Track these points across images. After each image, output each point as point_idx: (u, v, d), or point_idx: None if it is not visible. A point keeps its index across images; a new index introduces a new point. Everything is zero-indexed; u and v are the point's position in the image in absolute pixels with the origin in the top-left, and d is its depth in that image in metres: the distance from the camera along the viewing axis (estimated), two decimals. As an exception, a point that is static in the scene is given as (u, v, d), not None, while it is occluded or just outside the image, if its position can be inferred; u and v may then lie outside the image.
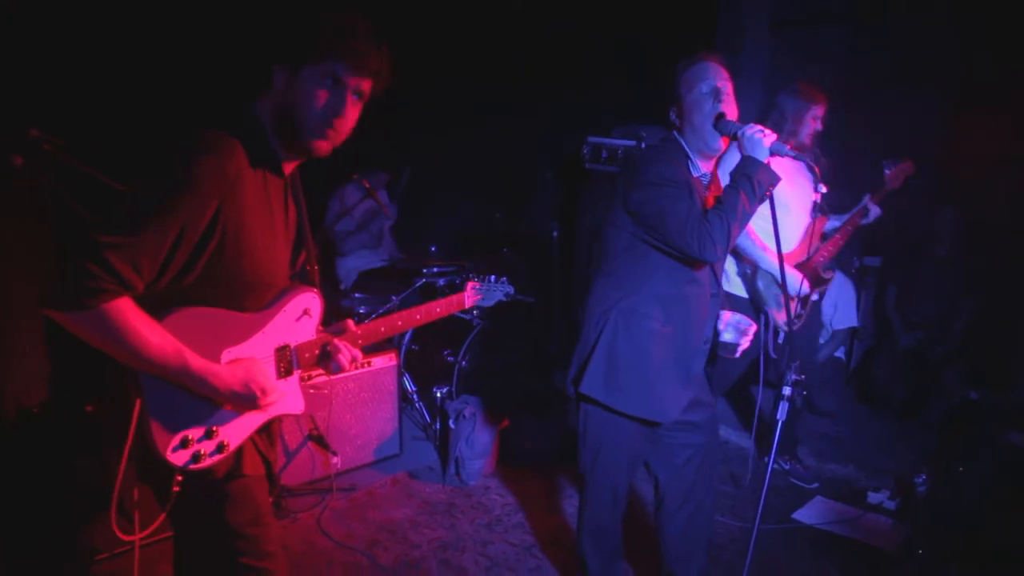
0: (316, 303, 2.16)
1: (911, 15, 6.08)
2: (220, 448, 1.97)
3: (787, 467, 4.71)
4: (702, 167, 2.88)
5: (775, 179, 2.69)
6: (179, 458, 1.89)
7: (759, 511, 2.70)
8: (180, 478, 1.91)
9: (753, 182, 2.66)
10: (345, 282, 5.87)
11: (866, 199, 4.37)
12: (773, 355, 4.21)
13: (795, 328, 4.30)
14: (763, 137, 2.66)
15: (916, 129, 6.22)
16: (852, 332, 6.12)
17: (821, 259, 4.31)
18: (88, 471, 3.40)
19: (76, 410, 3.56)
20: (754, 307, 4.23)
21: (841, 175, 4.66)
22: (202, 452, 1.93)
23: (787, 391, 2.69)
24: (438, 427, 4.82)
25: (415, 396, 5.23)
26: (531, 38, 6.46)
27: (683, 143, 2.87)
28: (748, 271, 4.24)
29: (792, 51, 6.50)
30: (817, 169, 2.63)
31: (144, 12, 4.23)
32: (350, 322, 2.31)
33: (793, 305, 4.28)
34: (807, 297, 4.30)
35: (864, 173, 4.67)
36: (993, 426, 4.57)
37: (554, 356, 5.86)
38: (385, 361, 4.59)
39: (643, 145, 5.36)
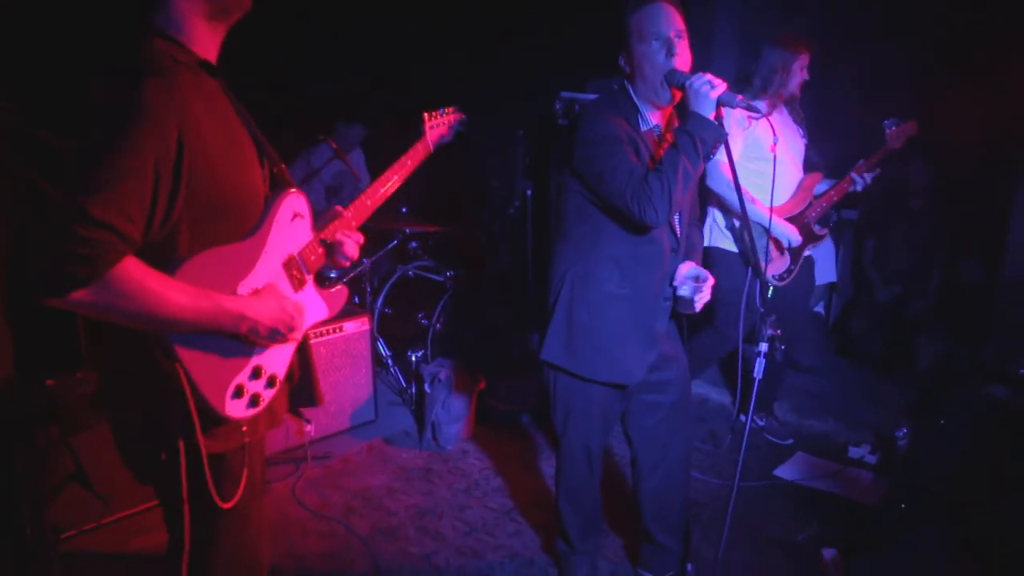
0: (302, 202, 2.01)
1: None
2: (272, 382, 1.88)
3: (762, 423, 4.68)
4: (652, 119, 2.76)
5: (720, 134, 2.56)
6: (238, 408, 1.79)
7: (738, 468, 2.66)
8: (245, 428, 1.83)
9: (695, 139, 2.53)
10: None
11: (860, 162, 4.27)
12: (761, 309, 4.13)
13: (786, 283, 4.25)
14: (710, 89, 2.52)
15: (893, 81, 6.17)
16: (831, 287, 6.08)
17: (814, 214, 4.25)
18: (49, 447, 3.31)
19: (39, 385, 3.45)
20: (744, 261, 4.16)
21: (823, 128, 4.58)
22: (259, 393, 1.84)
23: (763, 347, 2.62)
24: (413, 392, 4.74)
25: (389, 361, 5.14)
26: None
27: (633, 94, 2.75)
28: (736, 223, 4.17)
29: (764, 3, 6.39)
30: (772, 124, 2.54)
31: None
32: (339, 208, 2.23)
33: (785, 260, 4.22)
34: (799, 251, 4.24)
35: (840, 126, 4.60)
36: (975, 379, 4.56)
37: (529, 316, 5.78)
38: (358, 325, 4.49)
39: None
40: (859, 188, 4.25)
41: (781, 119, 4.18)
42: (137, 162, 1.53)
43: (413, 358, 4.95)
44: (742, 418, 4.88)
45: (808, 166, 4.34)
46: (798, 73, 4.07)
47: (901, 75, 6.19)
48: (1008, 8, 5.14)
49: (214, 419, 1.75)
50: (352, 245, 2.15)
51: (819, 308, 6.06)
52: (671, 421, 3.05)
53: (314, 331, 4.24)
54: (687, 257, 2.94)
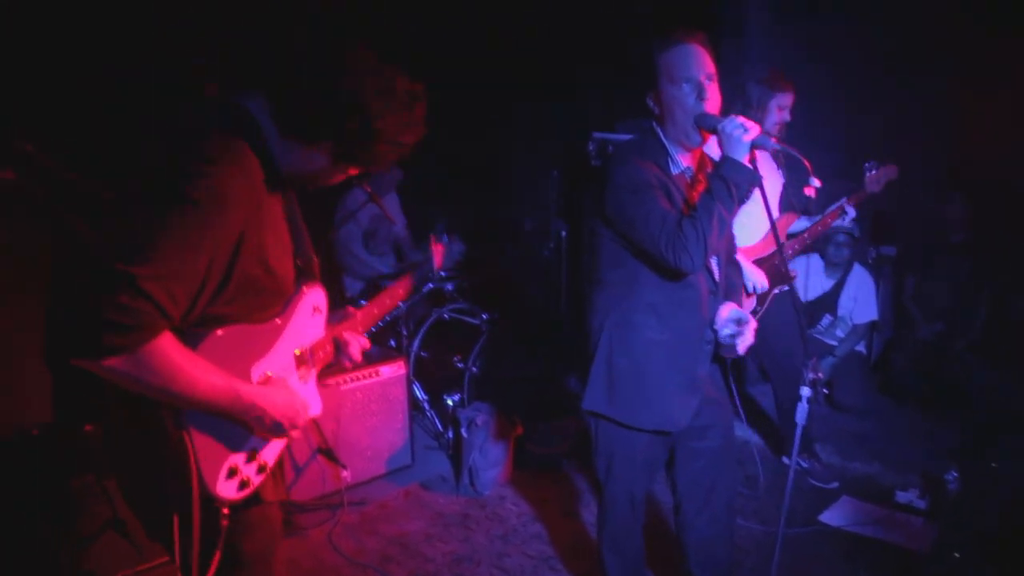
0: (322, 297, 2.07)
1: (915, 7, 5.95)
2: (262, 469, 1.88)
3: (805, 466, 4.57)
4: (683, 162, 2.73)
5: (755, 178, 2.53)
6: (229, 489, 1.77)
7: (783, 514, 2.60)
8: (227, 511, 1.79)
9: (729, 184, 2.50)
10: (351, 290, 5.76)
11: (843, 200, 4.24)
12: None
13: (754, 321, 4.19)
14: (743, 133, 2.49)
15: (924, 114, 6.12)
16: (872, 325, 5.98)
17: (788, 253, 4.20)
18: (87, 492, 3.31)
19: (77, 431, 3.47)
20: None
21: (846, 163, 4.53)
22: (248, 478, 1.83)
23: (806, 392, 2.57)
24: (450, 436, 4.70)
25: (426, 405, 5.11)
26: (533, 34, 6.34)
27: (662, 136, 2.72)
28: None
29: (796, 38, 6.39)
30: (808, 163, 2.48)
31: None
32: (350, 308, 2.27)
33: (751, 301, 4.16)
34: (766, 294, 4.17)
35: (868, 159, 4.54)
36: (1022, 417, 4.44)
37: (565, 359, 5.74)
38: (394, 370, 4.47)
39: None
40: (844, 222, 4.29)
41: (760, 156, 4.14)
42: (197, 244, 1.54)
43: (449, 402, 4.92)
44: (784, 460, 4.79)
45: (784, 206, 4.30)
46: (774, 111, 4.03)
47: (935, 108, 6.14)
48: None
49: (204, 497, 1.73)
50: (357, 349, 2.19)
51: (860, 347, 5.95)
52: (715, 467, 2.98)
53: (350, 376, 4.23)
54: (727, 298, 2.89)
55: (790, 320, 4.30)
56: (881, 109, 6.25)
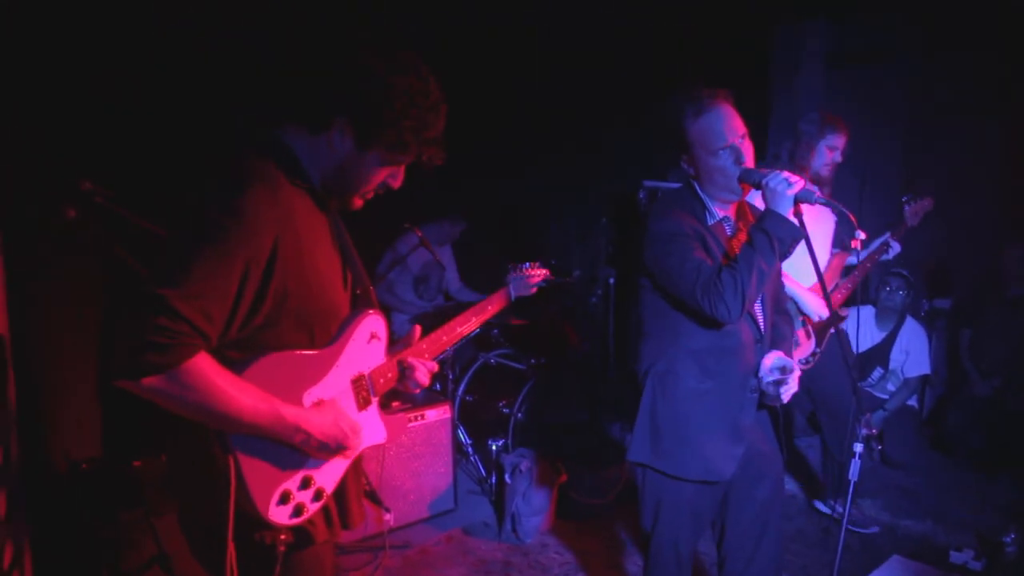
0: (381, 324, 2.06)
1: (964, 50, 5.92)
2: (319, 495, 1.88)
3: (841, 510, 4.46)
4: (719, 212, 2.76)
5: (797, 233, 2.53)
6: (281, 514, 1.78)
7: (835, 571, 2.62)
8: (284, 536, 1.81)
9: (772, 239, 2.51)
10: (399, 333, 5.81)
11: (887, 235, 4.23)
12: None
13: (809, 366, 4.13)
14: (787, 187, 2.50)
15: (978, 164, 6.05)
16: (924, 379, 5.86)
17: (839, 296, 4.16)
18: (134, 527, 3.36)
19: (126, 466, 3.52)
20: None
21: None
22: (303, 504, 1.83)
23: (859, 448, 2.53)
24: (494, 481, 4.69)
25: (470, 449, 5.11)
26: (584, 80, 6.41)
27: (699, 190, 2.76)
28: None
29: (848, 87, 6.38)
30: (852, 217, 2.47)
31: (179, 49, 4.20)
32: (417, 331, 2.25)
33: (810, 344, 4.12)
34: (823, 334, 4.13)
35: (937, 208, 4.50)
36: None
37: (611, 407, 5.71)
38: (439, 413, 4.48)
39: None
40: (890, 256, 4.26)
41: None
42: (226, 264, 1.61)
43: (493, 447, 4.90)
44: (818, 505, 4.71)
45: (837, 244, 4.28)
46: (825, 153, 4.01)
47: (991, 158, 6.07)
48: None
49: (256, 521, 1.75)
50: (424, 372, 2.16)
51: (912, 401, 5.83)
52: (763, 519, 2.94)
53: (395, 418, 4.25)
54: (774, 347, 2.87)
55: (835, 363, 4.26)
56: (936, 158, 6.21)
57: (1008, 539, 3.97)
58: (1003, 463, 5.30)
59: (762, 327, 2.82)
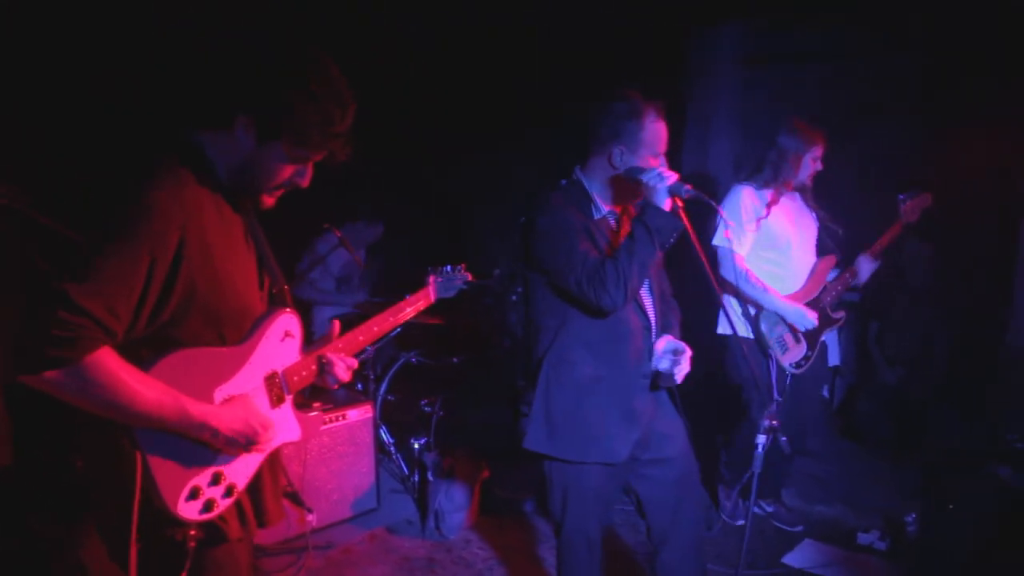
0: (295, 323, 2.07)
1: (880, 52, 6.15)
2: (230, 491, 1.88)
3: (770, 510, 4.62)
4: (605, 207, 2.88)
5: (674, 224, 2.66)
6: (191, 510, 1.78)
7: (742, 556, 2.71)
8: (193, 532, 1.80)
9: (651, 230, 2.64)
10: (319, 332, 5.75)
11: (867, 253, 4.31)
12: (778, 397, 4.15)
13: (803, 370, 4.24)
14: (661, 182, 2.64)
15: (886, 163, 6.28)
16: (834, 370, 6.06)
17: (829, 298, 4.28)
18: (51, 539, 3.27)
19: (44, 472, 3.42)
20: (760, 349, 4.18)
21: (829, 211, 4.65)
22: (214, 499, 1.83)
23: (761, 440, 2.64)
24: (416, 480, 4.70)
25: (392, 448, 5.11)
26: (506, 79, 6.46)
27: (586, 185, 2.87)
28: (752, 312, 4.19)
29: (763, 87, 6.55)
30: (720, 210, 2.68)
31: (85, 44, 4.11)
32: (336, 326, 2.26)
33: (801, 347, 4.22)
34: (815, 338, 4.25)
35: (840, 206, 4.65)
36: (981, 461, 4.51)
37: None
38: (361, 413, 4.47)
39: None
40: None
41: (794, 205, 4.25)
42: (130, 259, 1.62)
43: (416, 445, 4.92)
44: (754, 509, 4.82)
45: (821, 250, 4.40)
46: (809, 164, 4.14)
47: (899, 152, 6.30)
48: (1006, 84, 5.25)
49: (165, 517, 1.76)
50: (343, 368, 2.17)
51: (823, 391, 6.03)
52: (677, 496, 3.05)
53: (316, 418, 4.23)
54: (663, 332, 2.99)
55: (813, 378, 4.40)
56: (847, 157, 6.41)
57: (910, 519, 4.15)
58: (907, 449, 5.53)
59: (650, 315, 2.94)
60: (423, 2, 5.77)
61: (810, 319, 4.13)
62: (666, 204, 2.66)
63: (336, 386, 2.20)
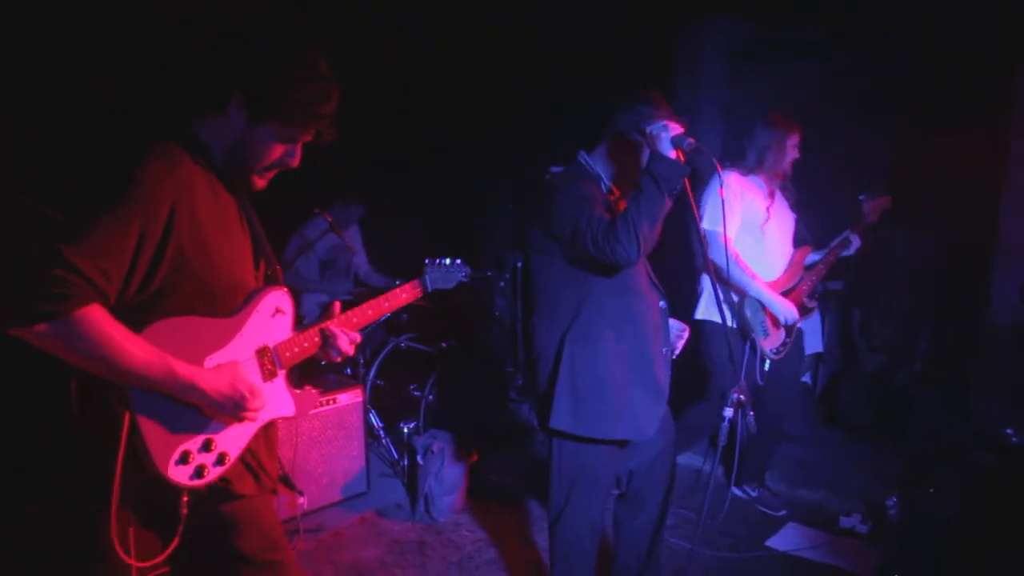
0: (287, 300, 2.12)
1: (864, 47, 6.21)
2: (221, 459, 1.92)
3: (754, 494, 4.69)
4: (609, 185, 2.98)
5: (681, 170, 2.67)
6: (181, 474, 1.83)
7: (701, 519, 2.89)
8: (186, 499, 1.86)
9: (657, 179, 2.66)
10: (308, 317, 5.78)
11: (847, 232, 4.43)
12: (760, 382, 4.23)
13: (780, 356, 4.32)
14: (665, 131, 2.69)
15: (872, 155, 6.35)
16: (817, 357, 6.14)
17: (805, 288, 4.36)
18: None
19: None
20: (742, 335, 4.24)
21: (806, 203, 4.71)
22: (205, 465, 1.87)
23: (728, 412, 2.70)
24: (406, 463, 4.74)
25: (382, 432, 5.15)
26: (489, 70, 6.49)
27: (592, 166, 2.97)
28: (735, 299, 4.25)
29: (750, 81, 6.61)
30: (719, 166, 2.81)
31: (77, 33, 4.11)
32: (337, 306, 2.32)
33: (780, 334, 4.31)
34: (793, 325, 4.33)
35: (825, 200, 4.72)
36: (959, 446, 4.60)
37: (520, 387, 5.81)
38: (350, 397, 4.51)
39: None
40: (851, 251, 4.43)
41: (775, 197, 4.33)
42: (121, 224, 1.70)
43: (405, 429, 4.96)
44: (734, 491, 4.90)
45: (797, 241, 4.47)
46: (790, 152, 4.21)
47: (880, 148, 6.38)
48: (980, 83, 5.33)
49: (156, 479, 1.80)
50: (346, 341, 2.23)
51: (806, 378, 6.11)
52: (652, 470, 3.17)
53: (314, 399, 4.25)
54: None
55: (791, 360, 4.46)
56: (832, 151, 6.47)
57: (890, 503, 4.23)
58: (888, 434, 5.62)
59: (663, 293, 3.03)
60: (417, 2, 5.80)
61: (793, 313, 4.21)
62: (671, 155, 2.69)
63: (339, 358, 2.25)
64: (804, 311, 4.37)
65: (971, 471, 3.95)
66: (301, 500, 4.16)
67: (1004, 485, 3.72)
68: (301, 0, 4.65)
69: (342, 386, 4.52)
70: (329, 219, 5.06)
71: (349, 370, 5.17)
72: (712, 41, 6.44)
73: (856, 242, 4.44)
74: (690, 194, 2.76)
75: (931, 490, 4.01)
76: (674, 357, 3.05)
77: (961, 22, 5.49)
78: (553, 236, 2.85)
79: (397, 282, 5.73)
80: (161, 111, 1.99)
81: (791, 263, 4.39)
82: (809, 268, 4.43)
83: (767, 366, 4.30)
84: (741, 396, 2.68)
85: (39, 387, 3.48)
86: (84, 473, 1.87)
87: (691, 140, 2.69)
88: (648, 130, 2.72)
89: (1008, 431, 4.24)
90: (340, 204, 5.82)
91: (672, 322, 3.07)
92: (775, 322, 4.28)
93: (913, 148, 6.18)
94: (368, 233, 6.22)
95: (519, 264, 5.94)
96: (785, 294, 4.26)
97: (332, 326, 2.22)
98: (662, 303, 3.00)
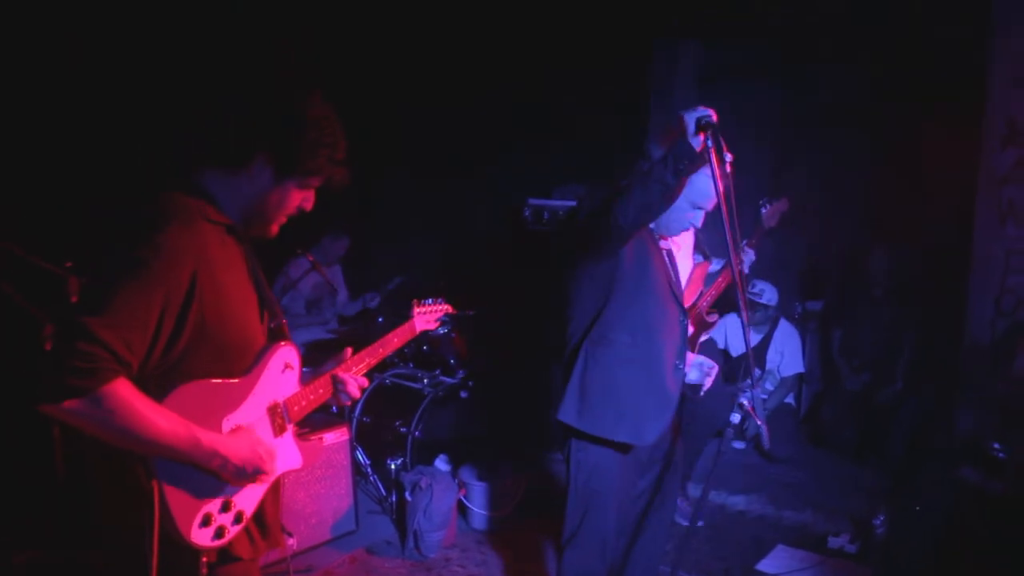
0: (294, 355, 2.15)
1: (833, 66, 6.32)
2: (239, 518, 1.94)
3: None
4: None
5: (693, 155, 2.63)
6: (204, 537, 1.84)
7: None
8: (206, 559, 1.86)
9: (667, 157, 2.64)
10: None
11: (743, 243, 4.43)
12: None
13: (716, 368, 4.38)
14: (689, 112, 2.68)
15: (845, 173, 6.46)
16: (799, 378, 6.19)
17: (705, 303, 4.39)
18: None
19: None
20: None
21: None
22: (224, 526, 1.89)
23: (735, 419, 2.80)
24: (394, 500, 4.73)
25: (369, 469, 5.13)
26: (467, 106, 6.56)
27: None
28: None
29: (721, 102, 6.70)
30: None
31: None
32: (348, 351, 2.39)
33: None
34: (694, 339, 4.35)
35: (797, 216, 4.77)
36: (944, 462, 4.64)
37: (505, 418, 5.81)
38: (337, 436, 4.50)
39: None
40: (745, 268, 4.42)
41: None
42: (146, 295, 1.69)
43: (393, 466, 4.94)
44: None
45: (699, 255, 4.51)
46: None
47: (855, 167, 6.48)
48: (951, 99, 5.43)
49: (179, 544, 1.81)
50: (354, 386, 2.30)
51: (789, 399, 6.15)
52: (652, 492, 3.25)
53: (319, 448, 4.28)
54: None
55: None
56: (807, 169, 6.58)
57: (878, 521, 4.26)
58: (872, 452, 5.66)
59: (684, 308, 3.14)
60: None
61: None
62: (697, 143, 2.64)
63: (348, 402, 2.33)
64: (705, 325, 4.38)
65: (955, 488, 3.99)
66: (290, 541, 4.13)
67: (986, 502, 3.76)
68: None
69: (328, 425, 4.51)
70: (311, 258, 5.08)
71: (335, 408, 5.15)
72: (682, 64, 6.55)
73: (750, 255, 4.41)
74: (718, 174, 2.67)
75: (917, 508, 4.05)
76: (701, 394, 3.18)
77: (918, 38, 5.61)
78: (580, 226, 2.97)
79: (379, 320, 5.79)
80: (173, 160, 1.98)
81: (690, 280, 4.41)
82: (710, 280, 4.45)
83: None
84: (746, 403, 2.72)
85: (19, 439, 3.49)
86: (91, 528, 1.88)
87: (714, 118, 2.67)
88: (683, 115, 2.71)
89: (995, 445, 4.29)
90: (328, 238, 5.85)
91: (702, 359, 3.21)
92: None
93: (883, 165, 6.29)
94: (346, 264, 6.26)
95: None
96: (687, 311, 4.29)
97: (341, 373, 2.29)
98: (683, 319, 3.10)
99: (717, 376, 4.46)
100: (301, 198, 2.02)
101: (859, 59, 6.14)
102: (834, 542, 4.39)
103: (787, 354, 5.98)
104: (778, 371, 5.99)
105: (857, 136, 6.41)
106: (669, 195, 2.74)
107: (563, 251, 3.10)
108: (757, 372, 6.01)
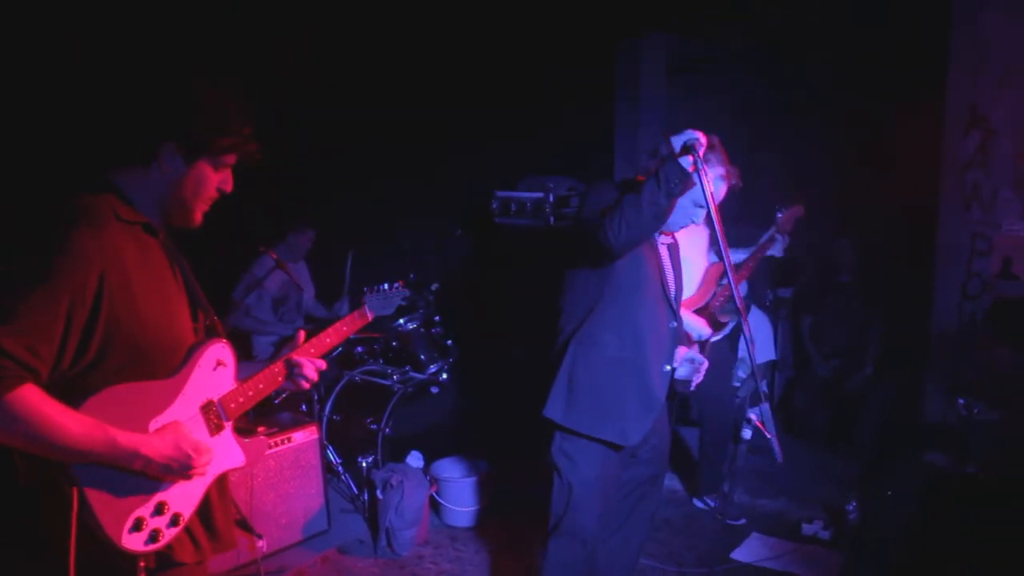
0: (227, 352, 2.09)
1: (799, 56, 6.34)
2: (175, 521, 1.88)
3: (713, 504, 4.73)
4: None
5: (684, 174, 2.70)
6: (135, 541, 1.78)
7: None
8: (143, 564, 1.81)
9: (659, 177, 2.70)
10: (261, 357, 5.71)
11: (772, 230, 4.46)
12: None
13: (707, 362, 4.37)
14: (676, 135, 2.82)
15: (813, 162, 6.48)
16: (772, 365, 6.20)
17: (718, 303, 4.39)
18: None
19: None
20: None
21: (745, 209, 4.78)
22: (159, 529, 1.83)
23: (747, 434, 2.78)
24: (366, 498, 4.68)
25: (340, 468, 5.08)
26: (434, 94, 6.51)
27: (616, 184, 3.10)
28: None
29: (689, 93, 6.72)
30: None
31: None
32: (302, 335, 2.35)
33: (696, 349, 4.33)
34: (707, 341, 4.35)
35: (765, 205, 4.78)
36: (915, 448, 4.68)
37: (476, 415, 5.78)
38: (306, 435, 4.44)
39: (551, 197, 5.48)
40: (777, 250, 4.48)
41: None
42: (49, 299, 1.65)
43: (364, 464, 4.90)
44: (695, 503, 4.92)
45: (713, 256, 4.52)
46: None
47: (821, 156, 6.51)
48: (915, 94, 5.46)
49: (111, 550, 1.76)
50: (311, 369, 2.24)
51: (762, 386, 6.16)
52: (639, 495, 3.27)
53: (264, 445, 4.19)
54: (681, 341, 3.23)
55: (720, 368, 4.49)
56: (776, 158, 6.60)
57: (850, 507, 4.28)
58: (842, 438, 5.69)
59: (676, 310, 3.15)
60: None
61: (705, 329, 4.20)
62: (687, 163, 2.72)
63: (307, 385, 2.26)
64: (717, 325, 4.40)
65: (924, 473, 4.02)
66: (261, 543, 4.08)
67: (954, 486, 3.79)
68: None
69: (297, 424, 4.45)
70: (274, 256, 5.01)
71: (304, 407, 5.10)
72: (649, 57, 6.53)
73: (781, 240, 4.46)
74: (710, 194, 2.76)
75: (888, 493, 4.07)
76: (691, 389, 3.24)
77: (883, 31, 5.64)
78: (583, 227, 2.96)
79: (340, 308, 5.73)
80: (76, 162, 1.94)
81: (704, 279, 4.43)
82: (738, 268, 4.45)
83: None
84: (755, 417, 2.75)
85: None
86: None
87: (702, 141, 2.79)
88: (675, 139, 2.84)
89: (960, 401, 4.34)
90: (293, 234, 5.78)
91: (693, 354, 3.25)
92: (688, 339, 4.30)
93: (849, 155, 6.33)
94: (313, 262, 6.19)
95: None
96: (699, 311, 4.29)
97: (296, 356, 2.24)
98: (672, 323, 3.11)
99: (721, 372, 4.51)
100: (219, 180, 1.98)
101: (823, 51, 6.16)
102: (808, 529, 4.40)
103: (758, 341, 5.97)
104: (750, 359, 5.98)
105: (822, 126, 6.45)
106: (661, 217, 2.80)
107: (563, 248, 3.17)
108: (757, 380, 6.00)
